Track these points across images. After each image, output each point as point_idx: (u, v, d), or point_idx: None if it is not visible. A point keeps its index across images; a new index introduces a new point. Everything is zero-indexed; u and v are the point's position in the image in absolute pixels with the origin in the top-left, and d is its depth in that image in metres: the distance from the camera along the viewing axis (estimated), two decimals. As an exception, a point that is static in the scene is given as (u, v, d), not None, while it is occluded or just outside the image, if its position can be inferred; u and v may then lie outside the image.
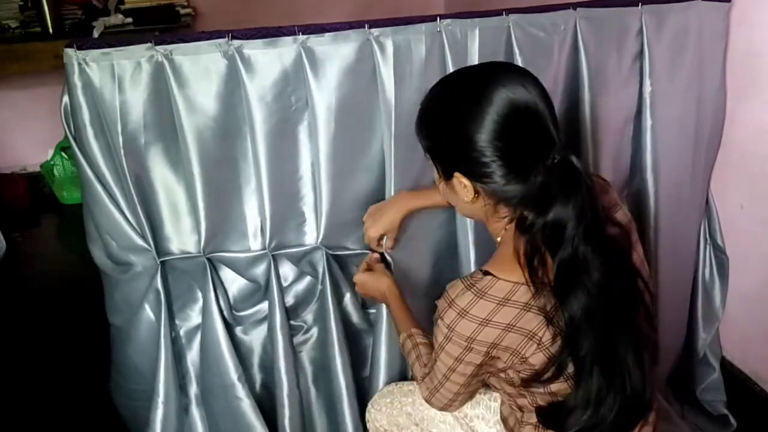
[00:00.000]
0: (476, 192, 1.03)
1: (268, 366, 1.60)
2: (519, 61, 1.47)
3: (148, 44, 1.29)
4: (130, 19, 3.39)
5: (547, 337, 0.99)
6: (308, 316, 1.60)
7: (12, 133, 3.75)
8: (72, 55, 1.28)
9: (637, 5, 1.56)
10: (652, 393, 1.08)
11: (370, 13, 1.74)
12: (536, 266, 0.97)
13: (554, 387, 1.03)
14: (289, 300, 1.56)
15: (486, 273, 1.00)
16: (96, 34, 3.21)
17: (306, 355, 1.61)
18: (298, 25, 1.32)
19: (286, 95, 1.36)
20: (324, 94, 1.35)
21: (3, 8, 3.38)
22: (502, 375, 1.07)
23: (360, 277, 1.45)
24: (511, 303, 0.98)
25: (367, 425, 1.44)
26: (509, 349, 1.00)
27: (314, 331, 1.61)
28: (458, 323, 1.00)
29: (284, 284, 1.54)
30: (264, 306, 1.57)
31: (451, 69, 1.42)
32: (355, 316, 1.61)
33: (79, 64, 1.28)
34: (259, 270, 1.51)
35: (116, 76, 1.29)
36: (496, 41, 1.46)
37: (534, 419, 1.09)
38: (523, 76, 0.99)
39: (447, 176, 1.06)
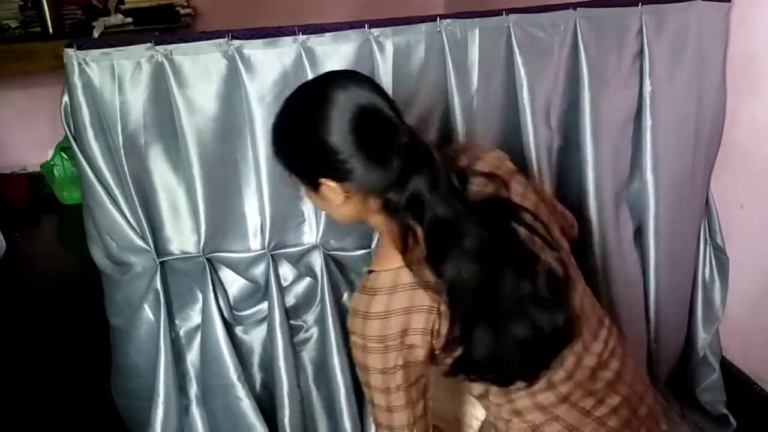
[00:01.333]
0: (345, 192, 1.05)
1: (268, 366, 1.60)
2: (519, 62, 1.47)
3: (148, 44, 1.29)
4: (130, 19, 3.39)
5: (444, 308, 1.02)
6: (309, 316, 1.60)
7: (12, 133, 3.75)
8: (72, 55, 1.28)
9: (637, 5, 1.56)
10: (570, 315, 1.09)
11: (370, 13, 1.74)
12: (411, 244, 1.02)
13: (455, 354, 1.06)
14: (290, 300, 1.56)
15: (370, 272, 1.06)
16: (96, 34, 3.21)
17: (306, 355, 1.61)
18: (298, 25, 1.32)
19: (287, 95, 1.36)
20: (324, 94, 1.35)
21: (3, 8, 3.38)
22: (434, 367, 1.09)
23: None
24: (400, 287, 1.02)
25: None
26: (418, 329, 1.03)
27: (314, 331, 1.61)
28: (365, 326, 1.03)
29: (284, 285, 1.54)
30: (264, 306, 1.57)
31: (451, 69, 1.42)
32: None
33: (79, 64, 1.28)
34: (259, 270, 1.51)
35: (116, 76, 1.29)
36: (496, 41, 1.46)
37: (509, 416, 1.12)
38: (352, 76, 1.07)
39: (313, 186, 1.09)
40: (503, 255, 1.03)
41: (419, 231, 1.02)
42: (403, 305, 1.02)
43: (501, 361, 1.05)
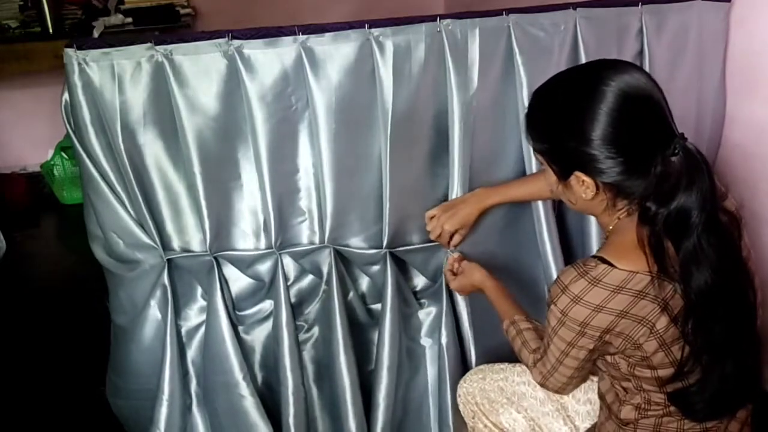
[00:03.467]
0: (597, 188, 1.03)
1: (270, 365, 1.60)
2: (519, 61, 1.47)
3: (148, 44, 1.29)
4: (130, 19, 3.39)
5: (661, 324, 0.99)
6: (310, 314, 1.60)
7: (12, 133, 3.76)
8: (72, 55, 1.28)
9: (637, 5, 1.56)
10: (758, 382, 1.10)
11: (370, 13, 1.74)
12: (663, 255, 0.98)
13: (661, 372, 1.04)
14: (292, 298, 1.56)
15: (602, 260, 1.01)
16: (96, 34, 3.22)
17: (307, 354, 1.62)
18: (298, 25, 1.33)
19: (287, 95, 1.37)
20: (324, 93, 1.35)
21: (3, 8, 3.38)
22: (610, 359, 1.08)
23: (456, 284, 1.48)
24: (625, 291, 0.98)
25: (458, 399, 1.44)
26: (622, 334, 1.01)
27: (316, 329, 1.61)
28: (572, 309, 1.01)
29: (287, 283, 1.54)
30: (265, 305, 1.58)
31: (451, 69, 1.42)
32: (358, 312, 1.61)
33: (79, 64, 1.28)
34: (264, 268, 1.51)
35: (116, 76, 1.29)
36: (496, 41, 1.46)
37: (637, 400, 1.10)
38: (630, 67, 1.01)
39: (564, 176, 1.06)
40: (736, 300, 1.02)
41: (669, 245, 0.98)
42: (620, 308, 0.98)
43: (712, 395, 1.03)
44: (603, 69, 1.01)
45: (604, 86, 0.97)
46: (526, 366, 1.24)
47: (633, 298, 0.98)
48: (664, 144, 0.97)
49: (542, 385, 1.19)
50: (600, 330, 1.01)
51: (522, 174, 1.57)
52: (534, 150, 1.11)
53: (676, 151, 0.96)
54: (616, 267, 0.99)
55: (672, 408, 1.07)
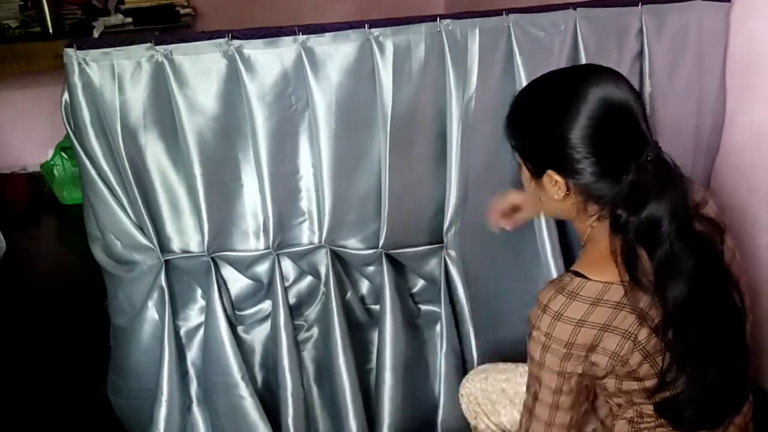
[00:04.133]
0: (567, 189, 1.02)
1: (269, 365, 1.60)
2: (519, 61, 1.47)
3: (148, 44, 1.29)
4: (130, 19, 3.39)
5: (643, 335, 0.98)
6: (310, 315, 1.60)
7: (12, 133, 3.76)
8: (72, 55, 1.28)
9: (637, 5, 1.56)
10: (747, 387, 1.08)
11: (370, 13, 1.74)
12: (635, 265, 0.96)
13: (648, 383, 1.03)
14: (291, 299, 1.56)
15: (576, 274, 1.00)
16: (96, 34, 3.22)
17: (307, 354, 1.62)
18: (298, 25, 1.33)
19: (287, 95, 1.37)
20: (324, 93, 1.35)
21: (3, 8, 3.38)
22: (600, 382, 1.06)
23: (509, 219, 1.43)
24: (603, 302, 0.97)
25: (460, 399, 1.43)
26: (607, 351, 0.99)
27: (315, 329, 1.61)
28: (555, 327, 0.98)
29: (286, 284, 1.54)
30: (265, 305, 1.58)
31: (450, 69, 1.42)
32: (356, 312, 1.61)
33: (79, 64, 1.28)
34: (262, 269, 1.51)
35: (116, 76, 1.29)
36: (496, 41, 1.46)
37: (629, 414, 1.09)
38: (614, 75, 1.01)
39: (537, 174, 1.06)
40: (718, 306, 1.00)
41: (643, 254, 0.97)
42: (601, 321, 0.97)
43: (698, 404, 1.01)
44: (587, 73, 1.02)
45: (587, 88, 0.97)
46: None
47: (612, 310, 0.97)
48: (638, 151, 0.96)
49: None
50: (585, 348, 0.98)
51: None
52: (512, 147, 1.10)
53: (648, 158, 0.96)
54: (590, 279, 0.98)
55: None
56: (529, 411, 1.09)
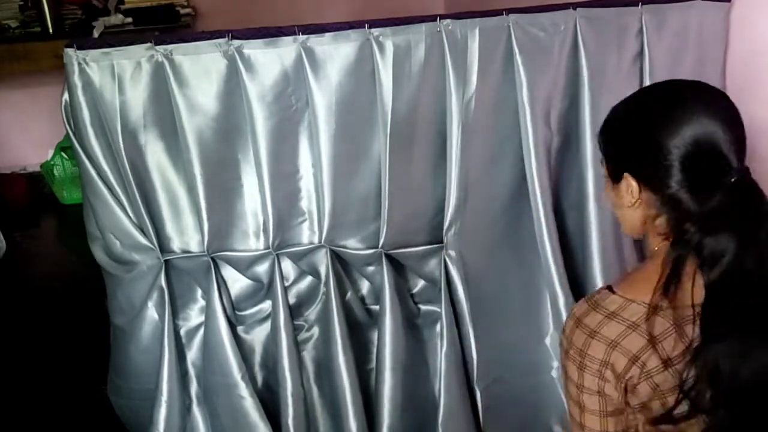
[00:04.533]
0: (639, 196, 1.00)
1: (270, 365, 1.60)
2: (519, 61, 1.47)
3: (148, 44, 1.29)
4: (130, 19, 3.40)
5: (652, 364, 0.94)
6: (310, 315, 1.60)
7: (12, 133, 3.76)
8: (72, 55, 1.28)
9: (637, 5, 1.56)
10: None
11: (370, 13, 1.74)
12: (676, 278, 0.92)
13: (665, 428, 0.98)
14: (291, 299, 1.56)
15: (609, 288, 0.99)
16: (96, 34, 3.22)
17: (307, 355, 1.62)
18: (298, 25, 1.32)
19: (287, 95, 1.37)
20: (324, 93, 1.35)
21: (3, 8, 3.39)
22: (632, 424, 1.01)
23: None
24: (618, 318, 0.95)
25: None
26: (615, 371, 0.95)
27: (315, 330, 1.61)
28: (574, 333, 0.98)
29: (286, 284, 1.54)
30: (265, 305, 1.58)
31: (450, 69, 1.42)
32: (356, 311, 1.61)
33: (79, 64, 1.28)
34: (262, 269, 1.51)
35: (116, 76, 1.29)
36: (496, 41, 1.46)
37: None
38: (719, 100, 1.01)
39: (616, 177, 1.04)
40: None
41: (691, 280, 0.92)
42: (610, 336, 0.94)
43: None
44: (697, 88, 1.02)
45: (693, 101, 0.98)
46: None
47: (624, 329, 0.94)
48: (722, 173, 0.94)
49: None
50: (597, 362, 0.95)
51: (520, 174, 1.57)
52: (602, 154, 1.09)
53: (732, 180, 0.94)
54: (614, 293, 0.97)
55: None
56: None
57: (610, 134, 1.08)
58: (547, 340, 1.70)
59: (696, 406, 0.91)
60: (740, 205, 0.93)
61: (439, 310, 1.60)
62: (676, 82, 1.09)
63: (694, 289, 0.92)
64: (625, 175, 1.02)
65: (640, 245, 1.75)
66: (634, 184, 1.01)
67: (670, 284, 0.92)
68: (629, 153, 1.02)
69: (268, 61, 1.33)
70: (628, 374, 0.95)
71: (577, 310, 0.99)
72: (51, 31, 3.34)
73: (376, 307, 1.61)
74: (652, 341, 0.92)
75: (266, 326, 1.59)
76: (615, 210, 1.10)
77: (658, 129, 0.97)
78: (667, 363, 0.93)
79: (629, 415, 0.99)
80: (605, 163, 1.08)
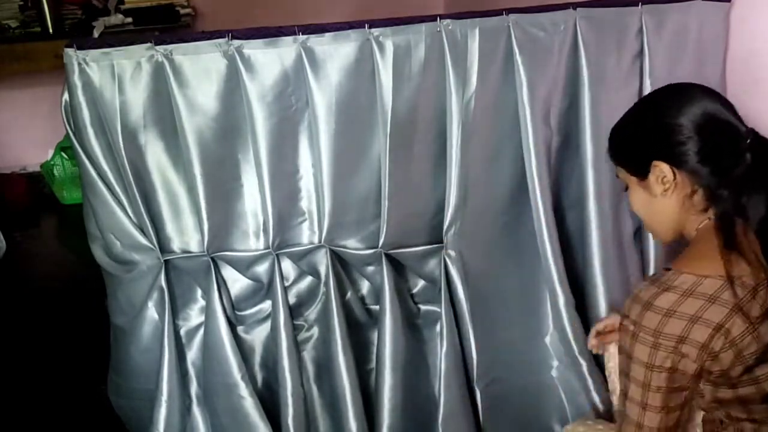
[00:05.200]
0: (674, 179, 1.06)
1: (270, 365, 1.60)
2: (519, 61, 1.47)
3: (148, 44, 1.29)
4: (130, 19, 3.40)
5: (737, 331, 0.97)
6: (310, 315, 1.60)
7: (12, 133, 3.76)
8: (72, 55, 1.28)
9: (637, 5, 1.56)
10: None
11: (370, 13, 1.74)
12: (732, 234, 0.99)
13: (743, 391, 1.02)
14: (291, 299, 1.56)
15: (668, 269, 1.03)
16: (96, 34, 3.22)
17: (307, 355, 1.62)
18: (298, 25, 1.33)
19: (287, 95, 1.37)
20: (324, 93, 1.35)
21: (3, 8, 3.39)
22: (698, 390, 1.04)
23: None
24: (696, 295, 0.98)
25: None
26: (697, 343, 0.98)
27: (315, 330, 1.61)
28: (644, 316, 1.00)
29: (286, 284, 1.54)
30: (265, 305, 1.58)
31: (450, 69, 1.42)
32: (356, 311, 1.61)
33: (79, 64, 1.28)
34: (262, 269, 1.51)
35: (116, 76, 1.29)
36: (496, 41, 1.46)
37: (730, 431, 1.07)
38: (715, 94, 1.09)
39: (642, 173, 1.10)
40: None
41: (755, 243, 0.99)
42: (690, 312, 0.97)
43: None
44: (687, 85, 1.10)
45: (687, 87, 1.07)
46: None
47: (703, 302, 0.97)
48: (737, 138, 1.02)
49: None
50: (674, 338, 0.98)
51: (520, 174, 1.57)
52: (616, 167, 1.16)
53: (749, 141, 1.01)
54: (683, 272, 1.00)
55: None
56: (620, 413, 1.08)
57: (622, 139, 1.14)
58: (547, 339, 1.70)
59: None
60: (763, 159, 1.00)
61: (439, 310, 1.61)
62: (674, 83, 1.15)
63: (755, 251, 0.99)
64: (654, 163, 1.07)
65: (641, 245, 1.75)
66: (665, 166, 1.06)
67: (731, 245, 0.98)
68: (649, 143, 1.08)
69: (268, 61, 1.33)
70: (711, 343, 0.98)
71: (644, 295, 1.01)
72: (51, 31, 3.34)
73: (376, 307, 1.62)
74: (739, 308, 0.96)
75: (266, 326, 1.59)
76: (645, 211, 1.15)
77: (669, 112, 1.05)
78: (750, 328, 0.97)
79: (696, 387, 1.03)
80: (624, 168, 1.13)
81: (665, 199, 1.08)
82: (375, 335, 1.62)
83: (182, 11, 3.52)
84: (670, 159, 1.05)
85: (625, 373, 1.05)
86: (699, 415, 1.14)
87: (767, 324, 0.97)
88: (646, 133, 1.09)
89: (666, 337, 0.98)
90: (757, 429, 1.04)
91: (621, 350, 1.06)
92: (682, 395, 1.02)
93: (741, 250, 0.99)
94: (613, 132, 1.17)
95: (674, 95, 1.07)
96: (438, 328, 1.62)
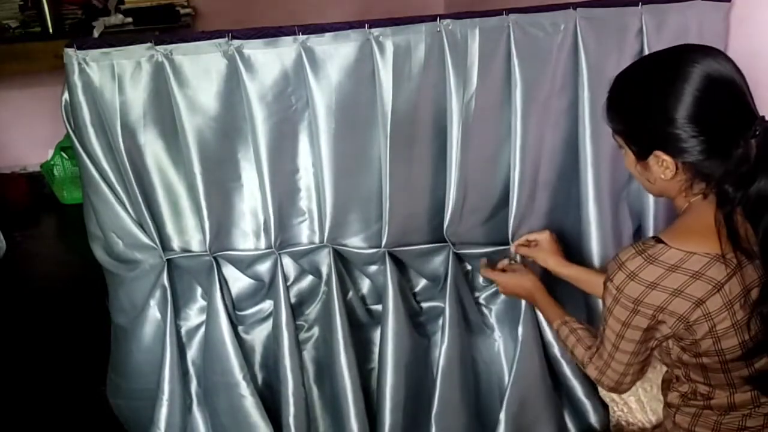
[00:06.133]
0: (676, 169, 1.05)
1: (270, 365, 1.60)
2: (517, 61, 1.47)
3: (148, 44, 1.29)
4: (130, 19, 3.40)
5: (714, 307, 1.01)
6: (311, 314, 1.60)
7: (12, 133, 3.76)
8: (72, 54, 1.28)
9: (637, 5, 1.56)
10: None
11: (370, 13, 1.74)
12: (738, 237, 0.99)
13: (705, 360, 1.06)
14: (292, 298, 1.56)
15: (659, 241, 1.04)
16: (96, 34, 3.22)
17: (308, 354, 1.62)
18: (298, 25, 1.33)
19: (287, 95, 1.37)
20: (324, 93, 1.35)
21: (3, 8, 3.39)
22: (664, 345, 1.10)
23: (502, 278, 1.52)
24: (681, 270, 1.01)
25: None
26: (675, 314, 1.02)
27: (316, 329, 1.61)
28: (627, 285, 1.03)
29: (287, 283, 1.54)
30: (265, 305, 1.58)
31: (450, 69, 1.42)
32: (358, 311, 1.61)
33: (79, 64, 1.28)
34: (264, 268, 1.51)
35: (116, 76, 1.29)
36: (496, 41, 1.45)
37: (684, 389, 1.14)
38: (714, 52, 1.03)
39: (643, 156, 1.08)
40: None
41: (748, 227, 1.00)
42: (674, 286, 1.01)
43: None
44: (689, 51, 1.04)
45: (689, 67, 1.00)
46: (580, 364, 1.25)
47: (688, 278, 1.00)
48: (745, 126, 0.98)
49: (598, 382, 1.19)
50: (653, 308, 1.02)
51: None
52: (613, 131, 1.14)
53: (757, 132, 0.98)
54: (671, 247, 1.02)
55: (713, 402, 1.10)
56: (595, 347, 1.17)
57: (620, 115, 1.11)
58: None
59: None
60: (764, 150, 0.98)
61: (441, 305, 1.61)
62: (669, 51, 1.10)
63: (747, 235, 1.00)
64: (656, 153, 1.05)
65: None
66: (668, 158, 1.05)
67: (736, 240, 0.99)
68: (651, 134, 1.06)
69: (268, 61, 1.33)
70: (691, 316, 1.01)
71: (630, 264, 1.04)
72: (51, 31, 3.34)
73: (377, 307, 1.62)
74: (719, 287, 0.99)
75: (266, 326, 1.59)
76: (638, 176, 1.15)
77: (669, 104, 1.01)
78: (728, 304, 1.00)
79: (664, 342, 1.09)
80: (626, 143, 1.11)
81: (665, 181, 1.08)
82: (375, 335, 1.62)
83: (182, 11, 3.52)
84: (673, 153, 1.04)
85: (604, 319, 1.11)
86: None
87: (742, 302, 1.01)
88: (646, 123, 1.06)
89: (646, 305, 1.03)
90: (710, 392, 1.11)
91: (603, 302, 1.10)
92: (653, 345, 1.11)
93: (733, 230, 1.00)
94: (609, 102, 1.12)
95: (676, 77, 1.01)
96: (440, 322, 1.62)
